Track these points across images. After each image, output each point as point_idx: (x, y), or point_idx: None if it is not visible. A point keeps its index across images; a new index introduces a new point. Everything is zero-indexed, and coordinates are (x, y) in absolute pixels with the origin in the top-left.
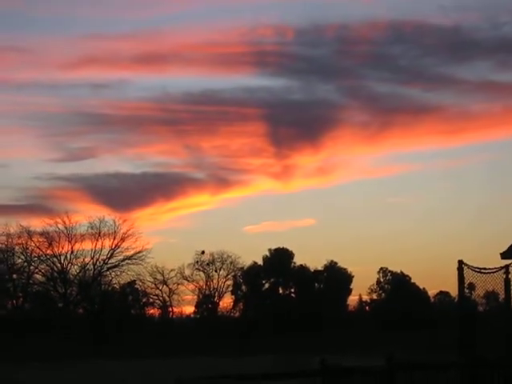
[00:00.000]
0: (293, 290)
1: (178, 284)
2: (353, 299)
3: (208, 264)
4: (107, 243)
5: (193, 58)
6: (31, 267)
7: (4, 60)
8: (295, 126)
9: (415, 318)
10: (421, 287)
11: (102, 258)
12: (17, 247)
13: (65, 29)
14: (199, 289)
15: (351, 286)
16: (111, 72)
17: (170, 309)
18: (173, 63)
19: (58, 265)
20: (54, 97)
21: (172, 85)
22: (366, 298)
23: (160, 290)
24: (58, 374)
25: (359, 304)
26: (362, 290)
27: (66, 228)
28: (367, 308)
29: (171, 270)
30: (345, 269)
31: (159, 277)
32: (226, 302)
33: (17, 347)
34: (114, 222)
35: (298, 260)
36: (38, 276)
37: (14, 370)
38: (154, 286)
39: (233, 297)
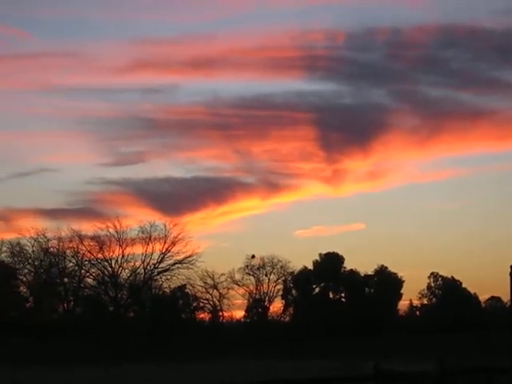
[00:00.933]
0: (343, 295)
1: (229, 288)
2: (403, 304)
3: (258, 268)
4: (158, 247)
5: (244, 63)
6: (82, 271)
7: (57, 65)
8: (346, 130)
9: (466, 323)
10: (472, 292)
11: (152, 262)
12: (68, 251)
13: (117, 34)
14: (249, 293)
15: (402, 291)
16: (163, 76)
17: (220, 313)
18: (224, 68)
19: (109, 269)
20: (106, 101)
21: (223, 89)
22: (416, 302)
23: (210, 295)
24: (110, 376)
25: (410, 309)
26: (412, 294)
27: (116, 232)
28: (418, 313)
29: (221, 275)
30: (395, 273)
31: (209, 281)
32: (276, 306)
33: (68, 350)
34: (165, 227)
35: (348, 264)
36: (88, 280)
37: (66, 373)
38: (204, 290)
39: (283, 301)
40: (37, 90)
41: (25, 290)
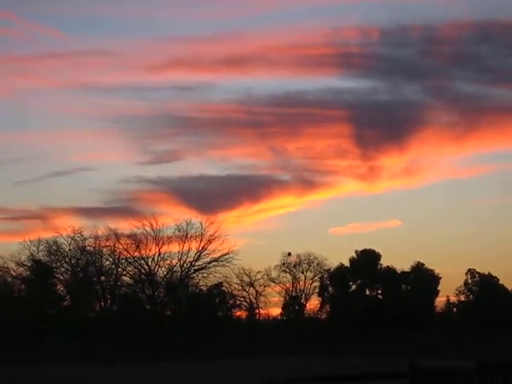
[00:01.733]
0: (380, 292)
1: (265, 286)
2: (440, 301)
3: (295, 266)
4: (194, 245)
5: (277, 60)
6: (119, 269)
7: (91, 64)
8: (380, 127)
9: (503, 320)
10: (509, 289)
11: (188, 260)
12: (105, 249)
13: (152, 32)
14: (286, 290)
15: (438, 288)
16: (196, 74)
17: (257, 311)
18: (257, 65)
19: (146, 267)
20: (141, 100)
21: (256, 87)
22: (453, 299)
23: (247, 292)
24: (149, 374)
25: (447, 306)
26: (449, 291)
27: (153, 230)
28: (455, 310)
29: (258, 272)
30: (432, 270)
31: (246, 279)
32: (313, 303)
33: (105, 349)
34: (201, 225)
35: (384, 261)
36: (125, 278)
37: (102, 371)
38: (240, 287)
39: (319, 298)
40: (72, 89)
41: (62, 288)
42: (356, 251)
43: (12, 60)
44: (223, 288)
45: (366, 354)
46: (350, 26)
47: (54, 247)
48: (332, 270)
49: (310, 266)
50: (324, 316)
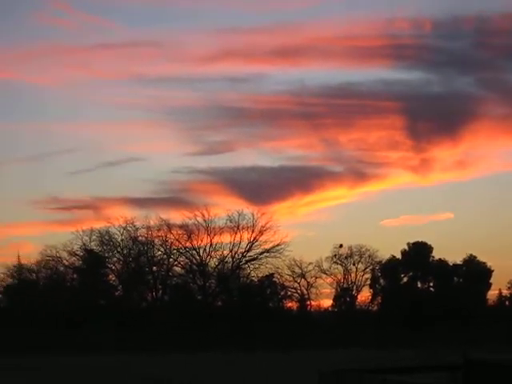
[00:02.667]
0: (431, 284)
1: (316, 277)
2: (492, 294)
3: (346, 257)
4: (245, 236)
5: (330, 51)
6: (170, 259)
7: (143, 55)
8: (433, 118)
9: None
10: None
11: (240, 250)
12: (156, 240)
13: (203, 23)
14: (337, 282)
15: (491, 281)
16: (249, 65)
17: (308, 302)
18: (310, 56)
19: (197, 257)
20: (193, 91)
21: (309, 78)
22: (506, 292)
23: (298, 284)
24: (203, 363)
25: (499, 298)
26: (501, 284)
27: (204, 221)
28: (507, 303)
29: (309, 264)
30: (484, 263)
31: (297, 270)
32: (364, 295)
33: (156, 338)
34: (253, 215)
35: (436, 254)
36: (177, 268)
37: (157, 360)
38: (291, 279)
39: (371, 290)
40: (125, 80)
41: (114, 278)
42: (408, 243)
43: (65, 51)
44: (274, 279)
45: (416, 346)
46: (403, 18)
47: (107, 237)
48: (383, 262)
49: (361, 257)
50: (375, 308)
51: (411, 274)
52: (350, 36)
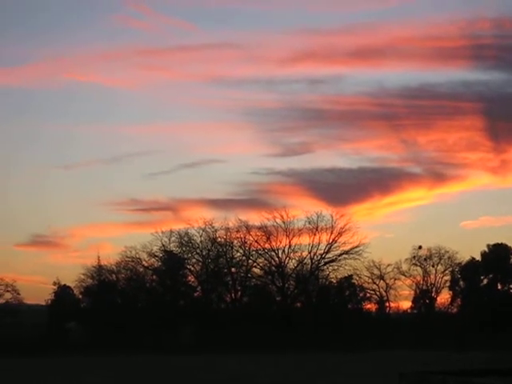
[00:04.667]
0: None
1: (395, 279)
2: None
3: (425, 259)
4: (324, 238)
5: (409, 52)
6: (249, 261)
7: (223, 56)
8: None
9: None
10: None
11: (319, 252)
12: (235, 241)
13: (283, 24)
14: (416, 284)
15: None
16: (328, 67)
17: (387, 304)
18: (389, 57)
19: (276, 259)
20: (271, 92)
21: (388, 79)
22: None
23: (377, 285)
24: (283, 364)
25: None
26: None
27: (283, 222)
28: None
29: (388, 265)
30: None
31: (376, 272)
32: (444, 297)
33: (236, 339)
34: (332, 217)
35: None
36: (255, 270)
37: (236, 360)
38: (370, 280)
39: (450, 292)
40: (203, 82)
41: (193, 279)
42: (488, 245)
43: (144, 53)
44: (353, 281)
45: (497, 348)
46: (484, 18)
47: (186, 238)
48: (463, 264)
49: (440, 259)
50: (454, 310)
51: (491, 275)
52: (429, 37)
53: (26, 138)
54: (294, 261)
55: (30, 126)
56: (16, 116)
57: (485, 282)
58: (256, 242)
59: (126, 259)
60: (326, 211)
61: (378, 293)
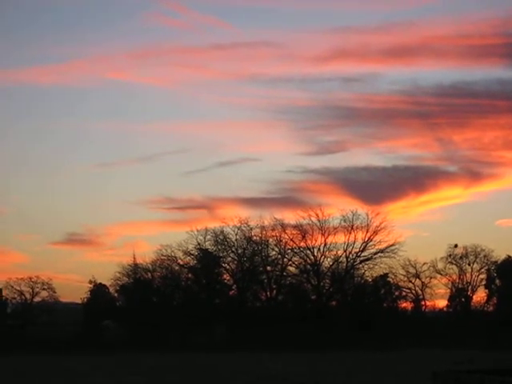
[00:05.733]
0: None
1: (431, 277)
2: None
3: (461, 257)
4: (360, 236)
5: (444, 51)
6: (285, 259)
7: (257, 55)
8: None
9: None
10: None
11: (354, 250)
12: (271, 239)
13: (316, 23)
14: (452, 282)
15: None
16: (362, 65)
17: (423, 302)
18: (424, 56)
19: (311, 257)
20: (306, 90)
21: (423, 77)
22: None
23: (412, 284)
24: (319, 363)
25: None
26: None
27: (319, 221)
28: None
29: (424, 264)
30: None
31: (411, 270)
32: (480, 295)
33: (271, 337)
34: (367, 215)
35: None
36: (291, 268)
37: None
38: (406, 279)
39: (486, 291)
40: (238, 80)
41: (228, 277)
42: None
43: (180, 51)
44: (389, 279)
45: None
46: None
47: (221, 237)
48: (499, 262)
49: (476, 257)
50: (491, 308)
51: None
52: (464, 35)
53: (62, 138)
54: (329, 259)
55: (67, 125)
56: (54, 115)
57: None
58: (291, 240)
59: (162, 257)
60: (361, 210)
61: (413, 291)
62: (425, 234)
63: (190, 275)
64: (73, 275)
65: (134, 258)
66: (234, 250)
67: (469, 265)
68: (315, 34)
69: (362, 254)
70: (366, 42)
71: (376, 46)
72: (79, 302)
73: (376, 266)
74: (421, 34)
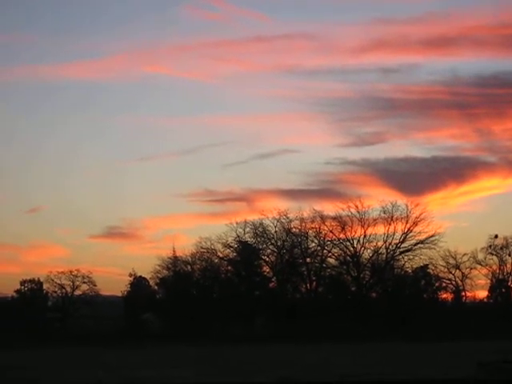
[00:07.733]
0: None
1: (471, 268)
2: None
3: (501, 248)
4: (399, 227)
5: (483, 40)
6: (324, 251)
7: (296, 47)
8: None
9: None
10: None
11: (394, 242)
12: (310, 231)
13: (355, 14)
14: (492, 273)
15: None
16: (401, 56)
17: (463, 293)
18: (463, 46)
19: (351, 249)
20: (344, 82)
21: (462, 68)
22: None
23: (453, 275)
24: (360, 353)
25: None
26: None
27: (358, 212)
28: None
29: (464, 255)
30: None
31: (452, 261)
32: None
33: (312, 329)
34: (406, 207)
35: None
36: (330, 260)
37: (314, 350)
38: (446, 270)
39: None
40: (277, 73)
41: (268, 270)
42: None
43: (218, 44)
44: (429, 270)
45: None
46: None
47: (260, 229)
48: None
49: None
50: None
51: None
52: (504, 24)
53: (101, 131)
54: (369, 251)
55: (106, 118)
56: (92, 109)
57: None
58: (331, 231)
59: (201, 250)
60: (401, 201)
61: (453, 282)
62: (464, 224)
63: (229, 268)
64: (113, 268)
65: (174, 251)
66: (273, 242)
67: (509, 255)
68: (354, 26)
69: (402, 246)
70: (404, 32)
71: (415, 36)
72: (119, 295)
73: (416, 257)
74: (460, 25)
